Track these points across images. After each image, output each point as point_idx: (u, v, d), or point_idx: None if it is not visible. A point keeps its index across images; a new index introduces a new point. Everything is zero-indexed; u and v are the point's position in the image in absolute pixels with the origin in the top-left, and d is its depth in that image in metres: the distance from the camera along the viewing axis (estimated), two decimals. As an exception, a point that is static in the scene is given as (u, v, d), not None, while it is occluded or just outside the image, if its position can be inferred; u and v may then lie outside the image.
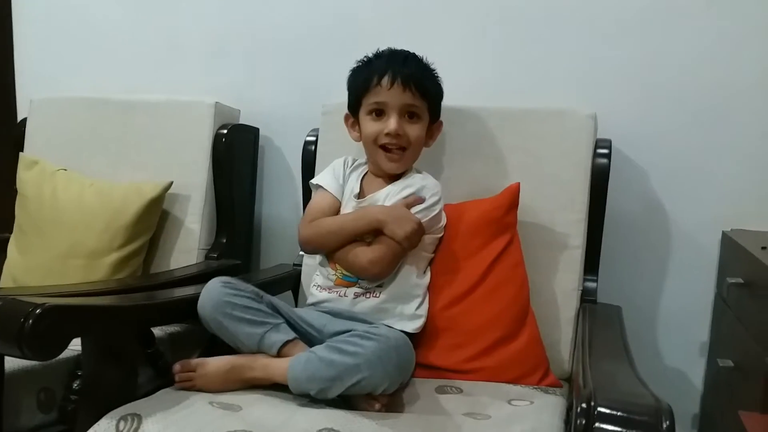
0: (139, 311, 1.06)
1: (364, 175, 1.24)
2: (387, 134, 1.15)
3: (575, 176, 1.26)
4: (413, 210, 1.14)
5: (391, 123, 1.15)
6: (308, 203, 1.25)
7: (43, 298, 0.89)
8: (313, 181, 1.26)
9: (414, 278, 1.16)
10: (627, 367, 0.89)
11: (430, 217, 1.15)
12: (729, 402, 1.18)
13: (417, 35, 1.46)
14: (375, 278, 1.13)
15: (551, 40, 1.45)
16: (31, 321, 0.82)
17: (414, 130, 1.17)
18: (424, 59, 1.21)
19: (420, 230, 1.12)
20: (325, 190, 1.22)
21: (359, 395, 0.94)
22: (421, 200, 1.15)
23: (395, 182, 1.20)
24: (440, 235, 1.20)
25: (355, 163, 1.26)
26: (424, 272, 1.19)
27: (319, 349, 0.97)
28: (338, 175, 1.24)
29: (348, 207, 1.20)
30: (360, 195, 1.21)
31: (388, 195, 1.18)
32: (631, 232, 1.44)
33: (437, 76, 1.22)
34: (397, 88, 1.14)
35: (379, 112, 1.17)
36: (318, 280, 1.21)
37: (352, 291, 1.14)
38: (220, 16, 1.67)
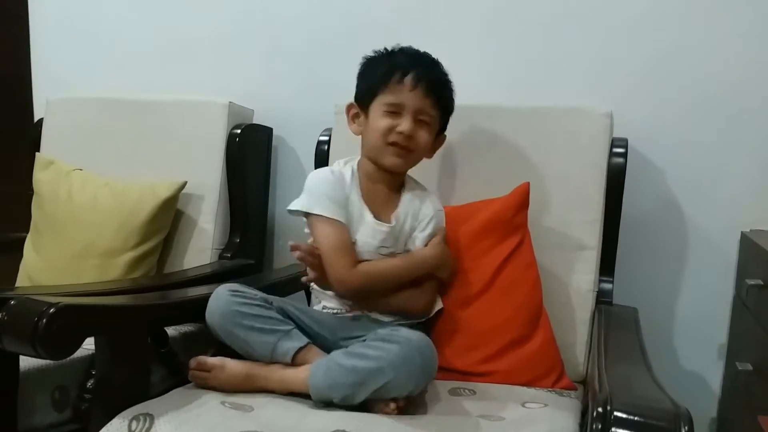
0: (153, 311, 1.06)
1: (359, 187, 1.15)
2: (399, 133, 1.10)
3: (591, 176, 1.24)
4: (440, 239, 1.15)
5: (406, 123, 1.09)
6: (322, 237, 1.09)
7: (57, 297, 0.90)
8: (308, 209, 1.10)
9: None
10: (643, 370, 0.88)
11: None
12: (748, 406, 1.16)
13: (431, 34, 1.47)
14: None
15: (566, 38, 1.43)
16: (44, 320, 0.83)
17: (423, 137, 1.12)
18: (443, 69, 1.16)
19: None
20: (336, 220, 1.09)
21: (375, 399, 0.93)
22: (443, 229, 1.17)
23: (402, 195, 1.17)
24: None
25: (343, 177, 1.14)
26: None
27: (338, 357, 0.96)
28: (337, 198, 1.11)
29: (365, 232, 1.11)
30: (377, 216, 1.13)
31: (408, 215, 1.15)
32: (648, 232, 1.42)
33: (453, 90, 1.17)
34: (419, 92, 1.10)
35: (394, 112, 1.11)
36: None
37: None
38: (233, 16, 1.68)
